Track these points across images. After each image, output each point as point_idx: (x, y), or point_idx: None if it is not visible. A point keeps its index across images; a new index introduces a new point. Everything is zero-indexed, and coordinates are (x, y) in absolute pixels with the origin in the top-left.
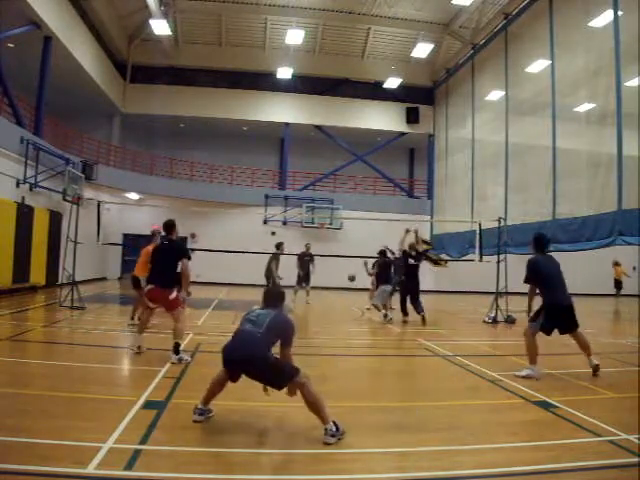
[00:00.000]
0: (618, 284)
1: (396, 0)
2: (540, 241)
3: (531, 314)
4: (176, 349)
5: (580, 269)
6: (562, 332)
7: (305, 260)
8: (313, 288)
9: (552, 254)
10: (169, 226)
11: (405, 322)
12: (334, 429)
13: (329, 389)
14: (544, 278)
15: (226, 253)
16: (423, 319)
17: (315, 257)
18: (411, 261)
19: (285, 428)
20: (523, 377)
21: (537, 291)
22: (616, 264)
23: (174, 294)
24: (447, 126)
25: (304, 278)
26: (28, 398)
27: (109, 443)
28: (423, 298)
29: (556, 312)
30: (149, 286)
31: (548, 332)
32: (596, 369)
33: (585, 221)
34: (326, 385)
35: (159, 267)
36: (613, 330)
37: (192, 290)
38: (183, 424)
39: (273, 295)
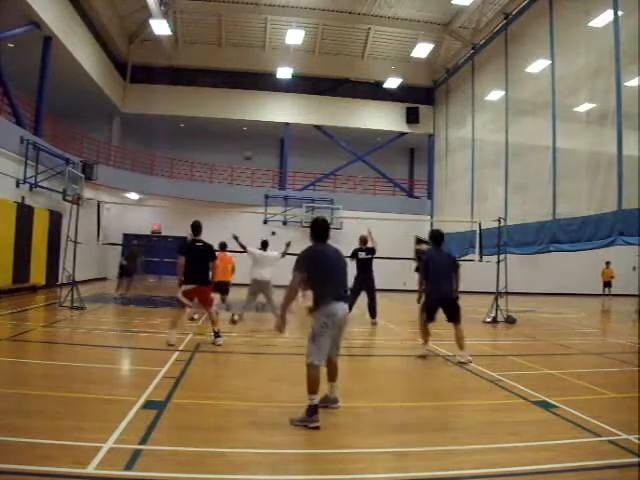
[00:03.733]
0: (608, 284)
1: (396, 0)
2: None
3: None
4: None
5: (576, 269)
6: (448, 320)
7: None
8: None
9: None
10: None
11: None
12: None
13: None
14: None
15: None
16: (374, 325)
17: None
18: (362, 255)
19: (285, 428)
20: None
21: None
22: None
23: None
24: (447, 126)
25: None
26: (28, 398)
27: (109, 443)
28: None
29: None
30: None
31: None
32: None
33: (585, 221)
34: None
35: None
36: (614, 330)
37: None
38: (183, 424)
39: None
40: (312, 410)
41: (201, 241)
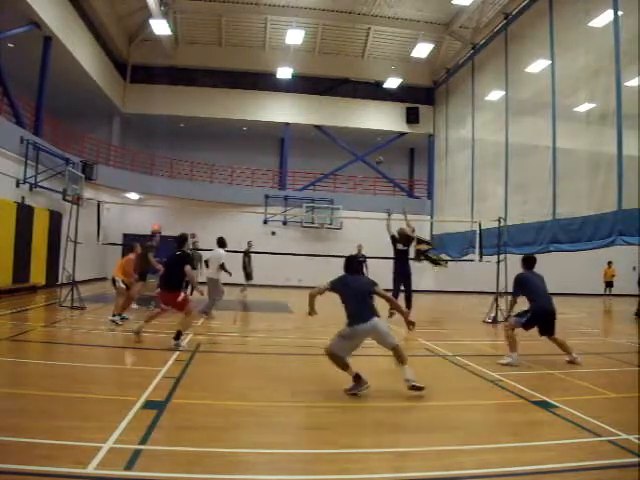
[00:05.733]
0: (610, 284)
1: (396, 0)
2: (529, 261)
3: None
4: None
5: (577, 269)
6: (541, 334)
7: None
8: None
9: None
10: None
11: (392, 314)
12: None
13: (330, 389)
14: (530, 289)
15: (228, 254)
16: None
17: (318, 257)
18: (400, 246)
19: (285, 428)
20: (505, 364)
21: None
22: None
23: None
24: (447, 126)
25: None
26: (28, 398)
27: (109, 443)
28: (423, 298)
29: (540, 315)
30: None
31: (527, 328)
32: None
33: (585, 221)
34: (327, 385)
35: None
36: (614, 330)
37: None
38: (183, 424)
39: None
40: (355, 378)
41: (180, 250)
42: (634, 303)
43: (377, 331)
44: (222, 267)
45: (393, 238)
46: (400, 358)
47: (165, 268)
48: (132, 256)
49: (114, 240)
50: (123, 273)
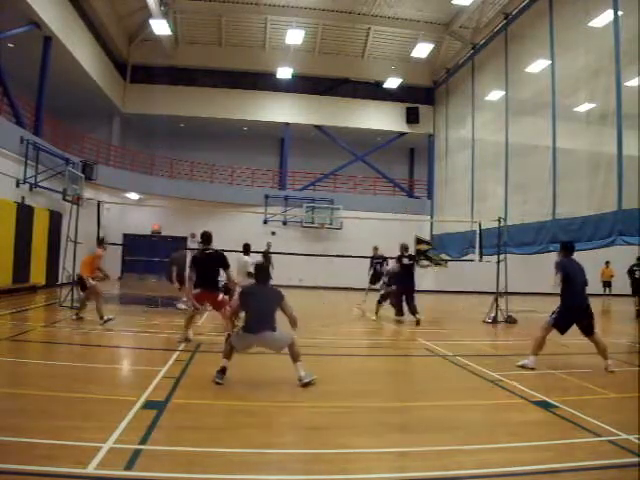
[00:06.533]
0: (608, 284)
1: (396, 0)
2: (569, 247)
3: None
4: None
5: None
6: (584, 334)
7: (376, 263)
8: (314, 288)
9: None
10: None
11: (400, 322)
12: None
13: (330, 389)
14: (569, 278)
15: (226, 253)
16: (418, 322)
17: (316, 257)
18: (405, 261)
19: (285, 428)
20: (520, 366)
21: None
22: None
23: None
24: (447, 126)
25: (375, 280)
26: (28, 398)
27: (109, 443)
28: (423, 298)
29: (574, 312)
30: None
31: (562, 329)
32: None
33: (585, 221)
34: (327, 385)
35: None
36: (613, 330)
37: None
38: (183, 424)
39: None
40: (222, 370)
41: (210, 249)
42: (632, 303)
43: (263, 344)
44: (250, 275)
45: (399, 257)
46: (293, 355)
47: (197, 268)
48: (100, 252)
49: (114, 240)
50: (90, 270)
